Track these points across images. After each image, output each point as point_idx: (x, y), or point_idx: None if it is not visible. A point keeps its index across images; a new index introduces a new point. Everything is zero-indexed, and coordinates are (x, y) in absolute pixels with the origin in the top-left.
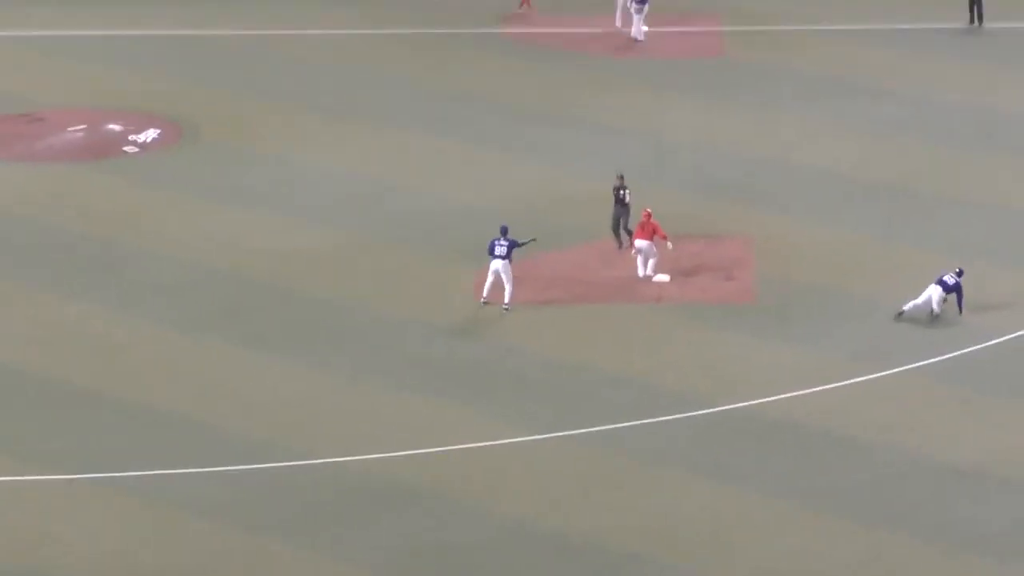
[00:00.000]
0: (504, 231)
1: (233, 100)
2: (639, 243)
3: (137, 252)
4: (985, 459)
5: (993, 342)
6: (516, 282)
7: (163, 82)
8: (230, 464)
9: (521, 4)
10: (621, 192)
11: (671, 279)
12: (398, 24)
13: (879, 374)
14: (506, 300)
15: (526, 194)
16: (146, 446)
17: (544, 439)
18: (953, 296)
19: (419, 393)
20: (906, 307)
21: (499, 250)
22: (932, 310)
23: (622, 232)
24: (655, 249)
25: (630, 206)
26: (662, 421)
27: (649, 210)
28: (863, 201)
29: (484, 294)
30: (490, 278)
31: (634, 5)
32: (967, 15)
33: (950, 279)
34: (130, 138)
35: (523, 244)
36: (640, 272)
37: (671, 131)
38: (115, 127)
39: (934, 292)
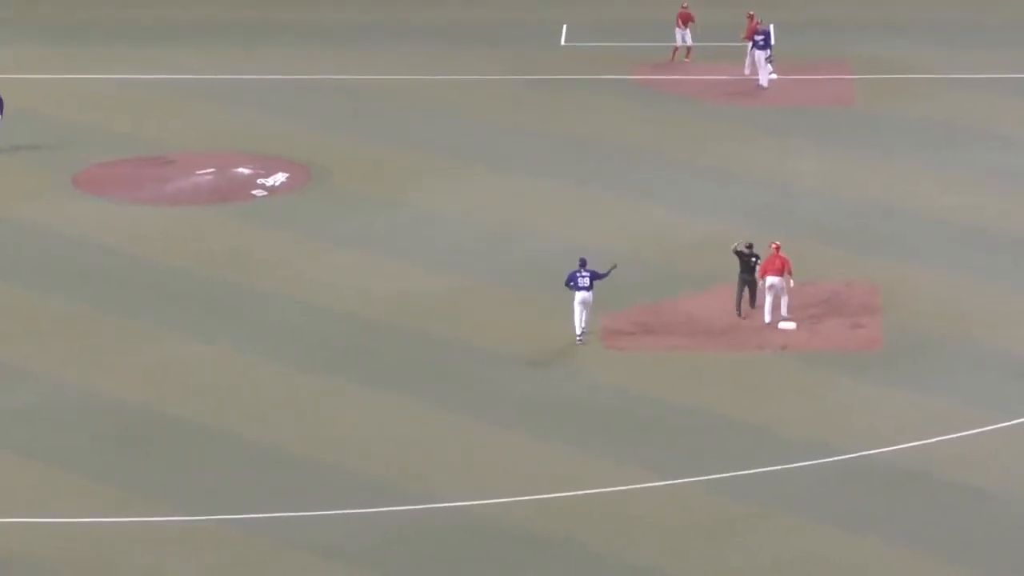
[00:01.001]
0: (583, 263)
1: (360, 144)
2: (771, 279)
3: (262, 294)
4: None
5: None
6: (641, 328)
7: (292, 125)
8: (350, 507)
9: (674, 55)
10: (753, 260)
11: (797, 326)
12: (529, 70)
13: (1009, 423)
14: (579, 331)
15: (647, 240)
16: (266, 487)
17: (670, 485)
18: None
19: (541, 437)
20: None
21: (582, 282)
22: None
23: (744, 302)
24: (785, 286)
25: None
26: (789, 468)
27: (778, 243)
28: (990, 251)
29: (577, 330)
30: (578, 310)
31: (759, 52)
32: None
33: None
34: (258, 181)
35: (605, 275)
36: (768, 317)
37: (796, 178)
38: (244, 170)
39: None
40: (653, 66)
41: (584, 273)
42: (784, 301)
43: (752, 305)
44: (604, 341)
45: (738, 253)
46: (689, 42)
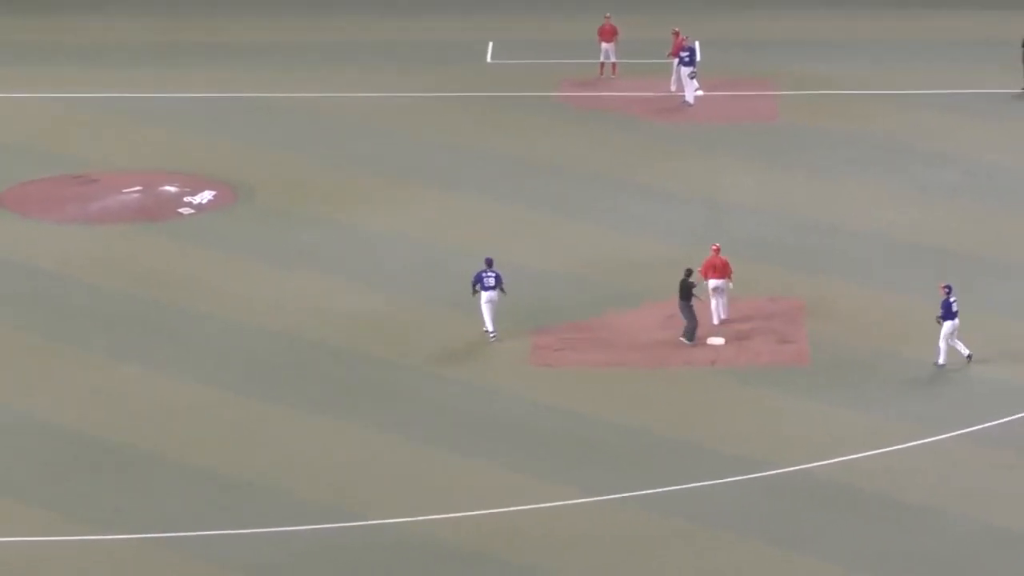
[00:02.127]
0: (489, 263)
1: (288, 162)
2: (715, 282)
3: (193, 314)
4: None
5: None
6: (573, 344)
7: (216, 144)
8: (287, 525)
9: (600, 71)
10: (692, 286)
11: (726, 342)
12: (455, 87)
13: (935, 438)
14: (491, 330)
15: (582, 258)
16: (202, 507)
17: (599, 501)
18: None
19: (475, 455)
20: (940, 360)
21: (488, 281)
22: (961, 352)
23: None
24: (728, 287)
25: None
26: (718, 484)
27: (717, 245)
28: (917, 265)
29: (490, 328)
30: (486, 310)
31: (684, 69)
32: (1022, 80)
33: (949, 306)
34: (185, 199)
35: (503, 287)
36: (715, 319)
37: (724, 194)
38: (170, 188)
39: (946, 328)
40: (580, 83)
41: (490, 273)
42: (723, 303)
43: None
44: (534, 358)
45: (682, 283)
46: (613, 58)
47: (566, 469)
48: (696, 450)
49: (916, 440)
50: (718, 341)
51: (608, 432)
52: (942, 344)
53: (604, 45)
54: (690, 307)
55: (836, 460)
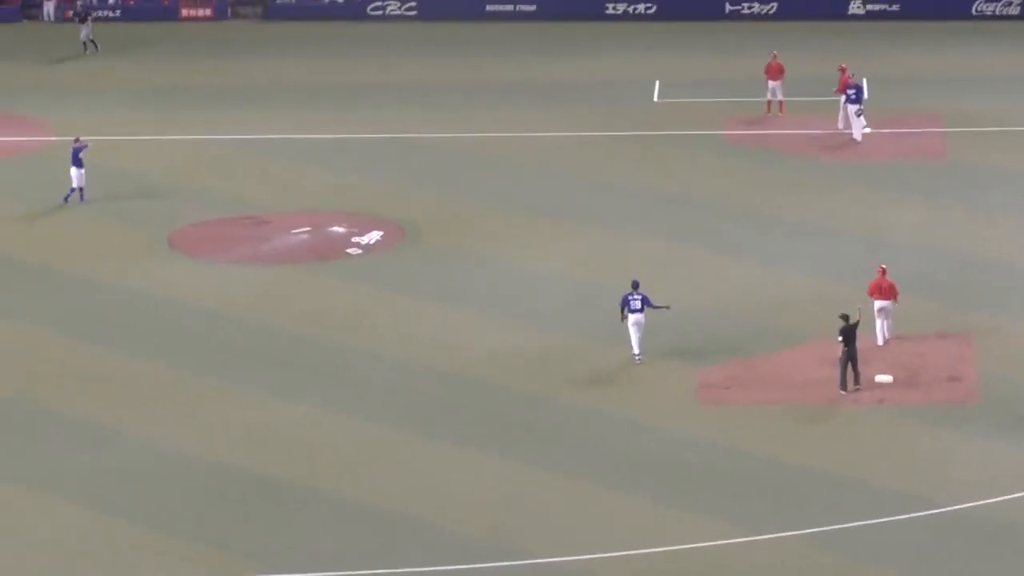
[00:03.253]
0: (636, 286)
1: (454, 202)
2: (880, 303)
3: (359, 353)
4: None
5: None
6: (735, 382)
7: (386, 184)
8: (446, 564)
9: (768, 109)
10: (855, 328)
11: (894, 380)
12: (622, 127)
13: None
14: (637, 350)
15: (743, 295)
16: (361, 544)
17: (767, 539)
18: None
19: (636, 492)
20: None
21: (634, 304)
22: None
23: (850, 371)
24: (893, 309)
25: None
26: (887, 522)
27: (884, 266)
28: None
29: (637, 350)
30: (632, 332)
31: (851, 107)
32: None
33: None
34: (353, 240)
35: (657, 307)
36: (880, 339)
37: (889, 231)
38: (339, 229)
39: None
40: (745, 121)
41: (636, 296)
42: (887, 325)
43: (856, 383)
44: (699, 396)
45: (842, 330)
46: (780, 96)
47: (732, 507)
48: (862, 488)
49: None
50: (886, 379)
51: (775, 470)
52: None
53: (771, 83)
54: (850, 353)
55: (1006, 498)
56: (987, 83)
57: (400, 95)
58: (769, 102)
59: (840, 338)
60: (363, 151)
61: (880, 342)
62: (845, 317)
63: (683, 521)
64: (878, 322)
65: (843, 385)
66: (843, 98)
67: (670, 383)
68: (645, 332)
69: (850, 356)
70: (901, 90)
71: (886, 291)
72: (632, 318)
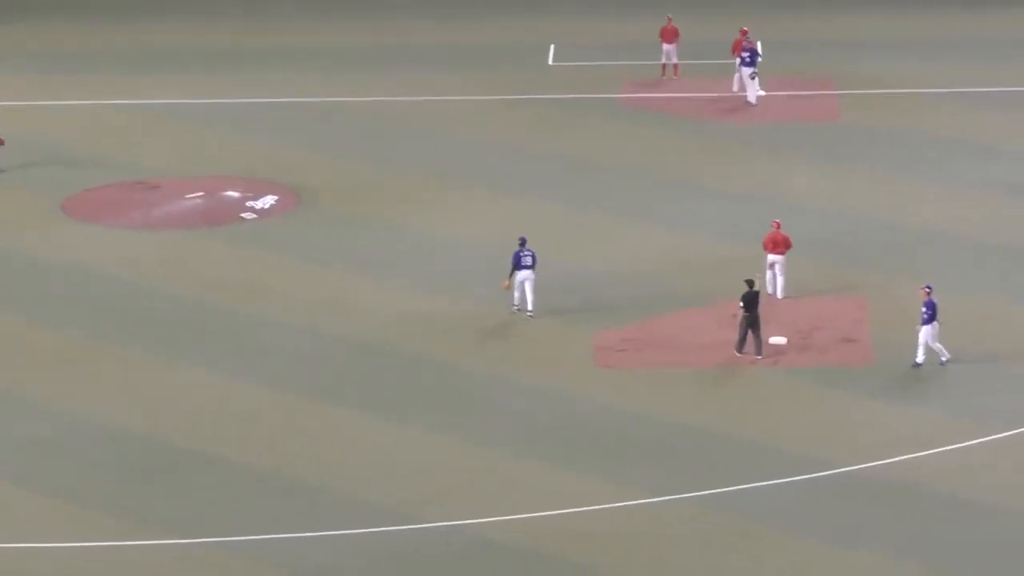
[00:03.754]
0: (524, 242)
1: (350, 167)
2: (772, 257)
3: (255, 318)
4: None
5: None
6: (636, 345)
7: (282, 149)
8: (349, 528)
9: (663, 72)
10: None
11: (788, 341)
12: (517, 90)
13: (1001, 435)
14: (530, 307)
15: (642, 258)
16: (267, 511)
17: (664, 501)
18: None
19: (534, 456)
20: (919, 359)
21: (526, 260)
22: (939, 355)
23: (751, 339)
24: (785, 265)
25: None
26: (781, 483)
27: (778, 221)
28: (980, 263)
29: (530, 306)
30: (520, 290)
31: (745, 69)
32: None
33: (927, 310)
34: (247, 204)
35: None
36: (770, 288)
37: (786, 194)
38: (233, 194)
39: (929, 330)
40: (642, 84)
41: (527, 252)
42: (781, 282)
43: (758, 353)
44: (597, 359)
45: (744, 296)
46: (675, 59)
47: (628, 469)
48: (758, 450)
49: (980, 438)
50: (780, 341)
51: (670, 432)
52: (932, 344)
53: (666, 46)
54: (751, 319)
55: (899, 459)
56: (880, 46)
57: (298, 60)
58: (664, 65)
59: (741, 304)
60: (260, 116)
61: (770, 291)
62: (749, 283)
63: (580, 484)
64: (769, 274)
65: (740, 347)
66: (738, 61)
67: (569, 347)
68: (536, 288)
69: (751, 323)
70: (795, 53)
71: (780, 244)
72: (522, 274)
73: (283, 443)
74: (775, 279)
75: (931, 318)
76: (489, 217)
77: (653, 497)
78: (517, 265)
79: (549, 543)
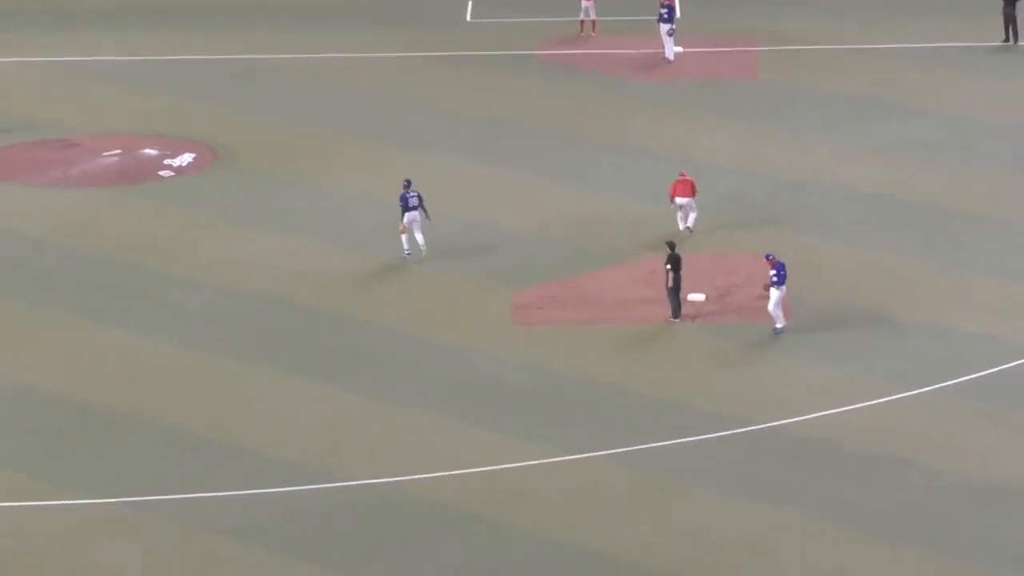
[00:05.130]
0: (408, 184)
1: (267, 124)
2: (680, 200)
3: (173, 277)
4: (1022, 476)
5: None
6: (554, 303)
7: (197, 106)
8: (266, 487)
9: (581, 28)
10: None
11: (706, 298)
12: (433, 47)
13: (916, 392)
14: (422, 245)
15: (557, 217)
16: (184, 470)
17: (581, 459)
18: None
19: (455, 415)
20: (779, 325)
21: (413, 201)
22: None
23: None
24: (694, 204)
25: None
26: (700, 440)
27: (684, 171)
28: (897, 221)
29: (408, 247)
30: (416, 231)
31: (663, 26)
32: (1002, 33)
33: (776, 271)
34: (165, 162)
35: (426, 211)
36: (681, 225)
37: (704, 152)
38: (150, 151)
39: (775, 296)
40: (560, 41)
41: (412, 193)
42: (692, 217)
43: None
44: (516, 317)
45: (669, 258)
46: (592, 15)
47: (546, 427)
48: (676, 407)
49: (896, 394)
50: (699, 298)
51: (588, 390)
52: (773, 310)
53: (584, 3)
54: (677, 280)
55: (815, 415)
56: (799, 3)
57: (214, 17)
58: (582, 22)
59: (668, 266)
60: (177, 73)
61: (682, 227)
62: (671, 244)
63: (498, 442)
64: (679, 214)
65: (676, 313)
66: (656, 18)
67: (488, 305)
68: (424, 229)
69: (677, 284)
70: (714, 10)
71: (686, 188)
72: (409, 215)
73: (199, 403)
74: (687, 216)
75: (780, 281)
76: (403, 175)
77: (571, 455)
78: (405, 207)
79: (466, 501)
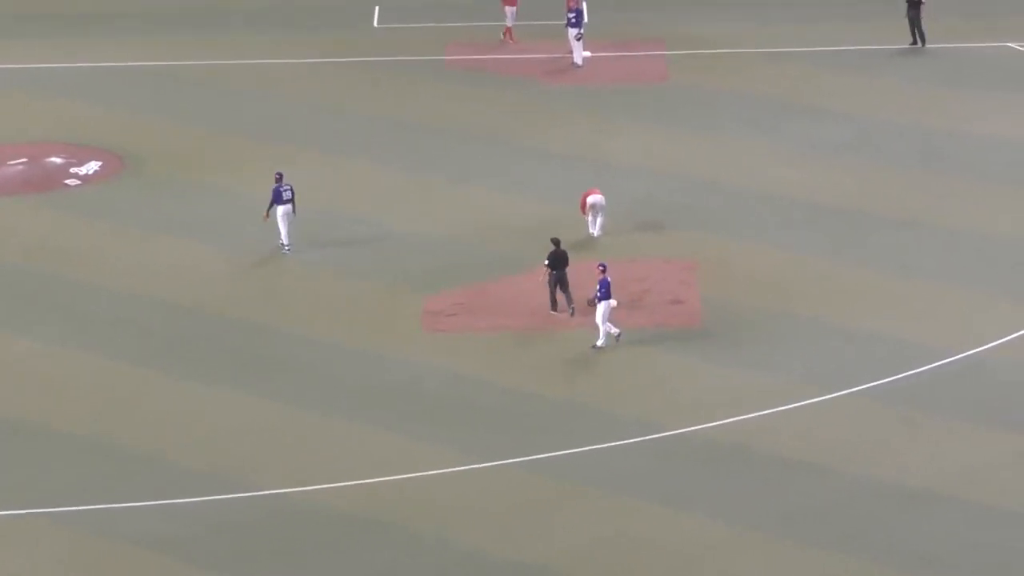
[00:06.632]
0: (280, 177)
1: (175, 131)
2: (592, 198)
3: (80, 286)
4: (933, 480)
5: (940, 363)
6: (464, 309)
7: (103, 113)
8: (178, 497)
9: (504, 36)
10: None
11: (618, 303)
12: (341, 52)
13: (827, 396)
14: (286, 241)
15: (470, 222)
16: (93, 480)
17: (496, 466)
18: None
19: (368, 423)
20: (599, 342)
21: (286, 195)
22: (610, 332)
23: (560, 294)
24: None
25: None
26: (613, 447)
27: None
28: (808, 223)
29: (285, 240)
30: (283, 224)
31: (571, 30)
32: (909, 36)
33: (601, 288)
34: (71, 171)
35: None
36: (591, 230)
37: (614, 157)
38: (56, 160)
39: (601, 309)
40: (468, 45)
41: (286, 187)
42: (600, 221)
43: (570, 304)
44: (425, 323)
45: (550, 254)
46: (509, 22)
47: (457, 435)
48: (588, 413)
49: (808, 399)
50: (611, 303)
51: (500, 396)
52: (602, 326)
53: (508, 8)
54: (559, 277)
55: (730, 420)
56: (709, 6)
57: (117, 22)
58: (507, 28)
59: (547, 262)
60: (82, 79)
61: (593, 231)
62: (555, 241)
63: (409, 450)
64: (589, 217)
65: (554, 306)
66: (564, 22)
67: (397, 310)
68: (293, 222)
69: (559, 280)
70: (623, 13)
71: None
72: (282, 208)
73: (108, 411)
74: (595, 221)
75: (605, 296)
76: (317, 181)
77: (482, 462)
78: (277, 200)
79: (377, 509)
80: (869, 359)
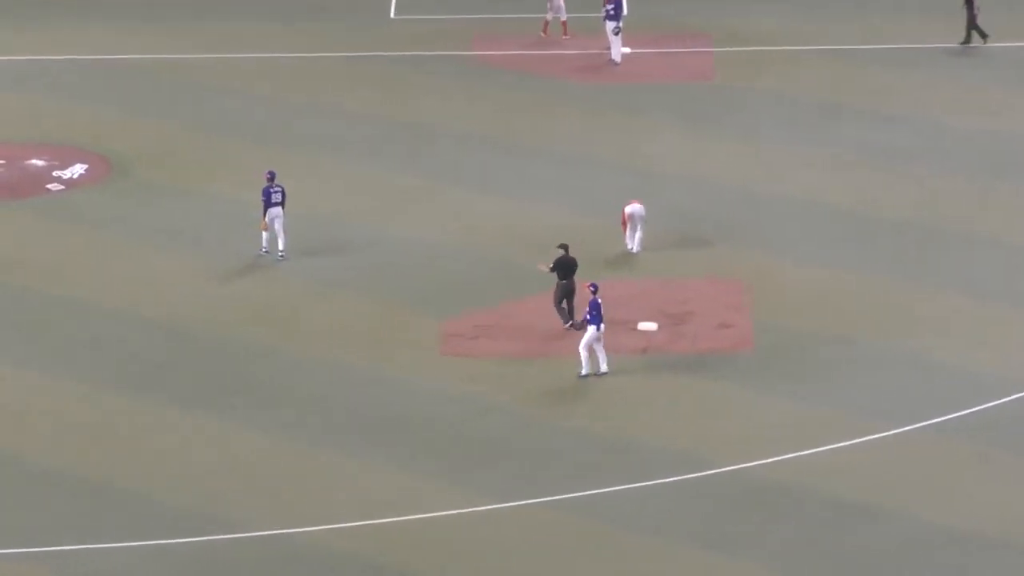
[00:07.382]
0: (273, 176)
1: (167, 132)
2: (630, 208)
3: (65, 302)
4: (1011, 526)
5: (1018, 395)
6: (483, 332)
7: (87, 111)
8: (161, 537)
9: (545, 29)
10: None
11: (659, 327)
12: (353, 47)
13: (892, 431)
14: (281, 248)
15: (494, 233)
16: (72, 517)
17: (517, 506)
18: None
19: (376, 457)
20: (583, 371)
21: (276, 197)
22: (599, 367)
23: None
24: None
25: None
26: (652, 485)
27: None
28: (867, 239)
29: (266, 244)
30: (279, 229)
31: (609, 24)
32: (963, 33)
33: (591, 306)
34: (54, 174)
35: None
36: (629, 245)
37: (654, 163)
38: (38, 162)
39: (588, 335)
40: (495, 40)
41: (276, 188)
42: (639, 237)
43: (574, 319)
44: (443, 347)
45: (557, 261)
46: (549, 17)
47: (477, 471)
48: (625, 448)
49: (869, 435)
50: (650, 326)
51: (526, 429)
52: (583, 352)
53: (550, 2)
54: (567, 287)
55: (783, 457)
56: (760, 0)
57: (102, 11)
58: (547, 22)
59: (551, 268)
60: (64, 74)
61: (630, 247)
62: (564, 247)
63: (423, 487)
64: (628, 231)
65: (566, 319)
66: (602, 15)
67: (413, 331)
68: (287, 227)
69: (567, 290)
70: (667, 6)
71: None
72: (272, 212)
73: (81, 442)
74: (633, 234)
75: (595, 319)
76: (323, 186)
77: (504, 502)
78: (268, 203)
79: (384, 553)
80: (938, 390)
